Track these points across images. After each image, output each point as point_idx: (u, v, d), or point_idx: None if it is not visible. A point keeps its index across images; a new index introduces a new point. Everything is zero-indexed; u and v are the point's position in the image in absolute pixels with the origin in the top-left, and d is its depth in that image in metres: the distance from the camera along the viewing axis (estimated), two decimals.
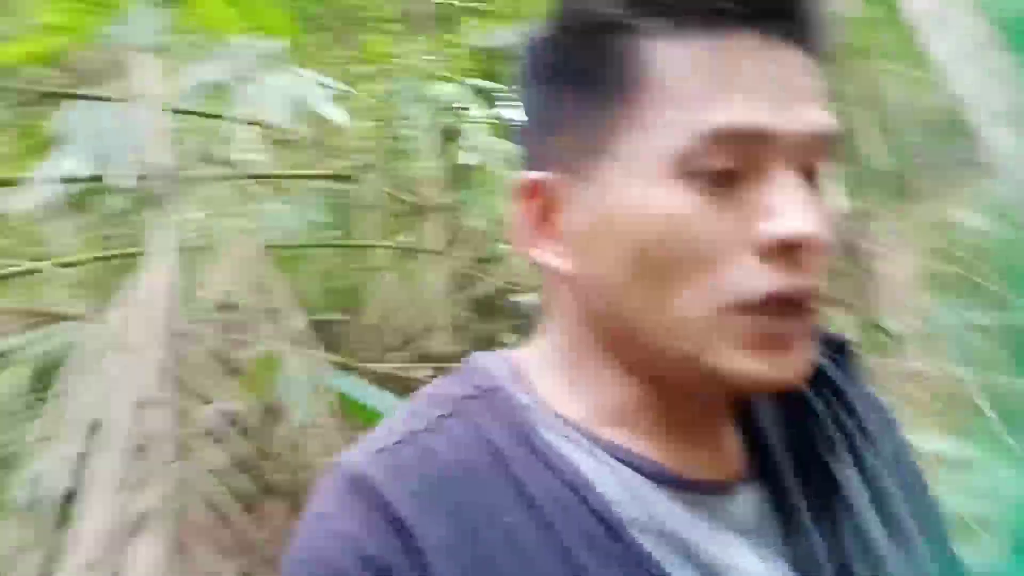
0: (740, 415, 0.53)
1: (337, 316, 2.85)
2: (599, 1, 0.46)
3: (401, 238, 3.26)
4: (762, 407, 0.54)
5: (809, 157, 0.45)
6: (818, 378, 0.52)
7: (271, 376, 1.94)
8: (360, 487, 0.47)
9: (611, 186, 0.46)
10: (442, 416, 0.50)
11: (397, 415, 0.53)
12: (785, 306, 0.44)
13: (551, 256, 0.50)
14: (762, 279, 0.44)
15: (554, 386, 0.52)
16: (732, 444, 0.53)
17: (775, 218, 0.43)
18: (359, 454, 0.50)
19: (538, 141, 0.52)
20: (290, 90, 1.79)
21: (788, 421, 0.53)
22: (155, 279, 1.72)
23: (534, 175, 0.51)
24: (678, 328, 0.45)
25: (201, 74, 1.85)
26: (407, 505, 0.45)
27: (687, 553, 0.47)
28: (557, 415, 0.50)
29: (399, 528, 0.45)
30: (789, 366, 0.46)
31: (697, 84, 0.44)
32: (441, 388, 0.54)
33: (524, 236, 0.52)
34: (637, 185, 0.45)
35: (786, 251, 0.43)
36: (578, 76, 0.48)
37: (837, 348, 0.55)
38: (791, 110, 0.44)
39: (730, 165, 0.44)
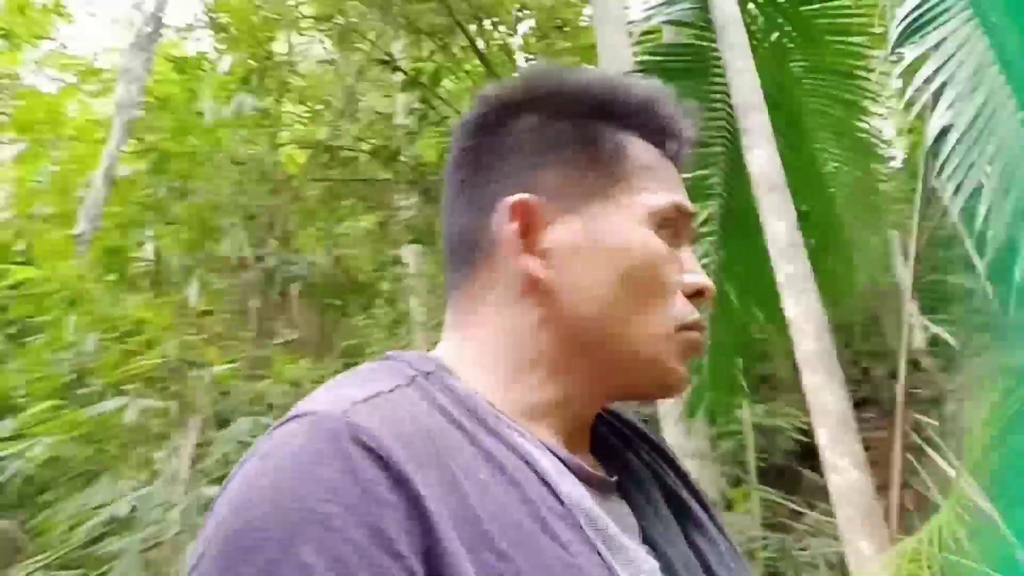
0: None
1: None
2: (612, 104, 0.65)
3: None
4: (611, 436, 0.68)
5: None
6: (642, 433, 0.70)
7: None
8: (354, 436, 0.47)
9: (602, 220, 0.62)
10: (399, 385, 0.54)
11: (346, 380, 0.56)
12: (697, 329, 0.64)
13: (536, 265, 0.61)
14: (689, 310, 0.64)
15: (480, 381, 0.59)
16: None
17: (693, 273, 0.65)
18: (335, 405, 0.50)
19: (526, 170, 0.63)
20: None
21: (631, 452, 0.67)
22: None
23: (526, 197, 0.61)
24: (648, 337, 0.61)
25: None
26: (402, 455, 0.47)
27: (597, 528, 0.55)
28: (488, 402, 0.57)
29: (399, 480, 0.46)
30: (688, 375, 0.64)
31: (659, 173, 0.66)
32: (382, 369, 0.58)
33: (512, 246, 0.61)
34: (625, 224, 0.62)
35: (699, 295, 0.64)
36: (579, 139, 0.64)
37: (644, 423, 0.73)
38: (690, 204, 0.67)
39: (672, 233, 0.64)
